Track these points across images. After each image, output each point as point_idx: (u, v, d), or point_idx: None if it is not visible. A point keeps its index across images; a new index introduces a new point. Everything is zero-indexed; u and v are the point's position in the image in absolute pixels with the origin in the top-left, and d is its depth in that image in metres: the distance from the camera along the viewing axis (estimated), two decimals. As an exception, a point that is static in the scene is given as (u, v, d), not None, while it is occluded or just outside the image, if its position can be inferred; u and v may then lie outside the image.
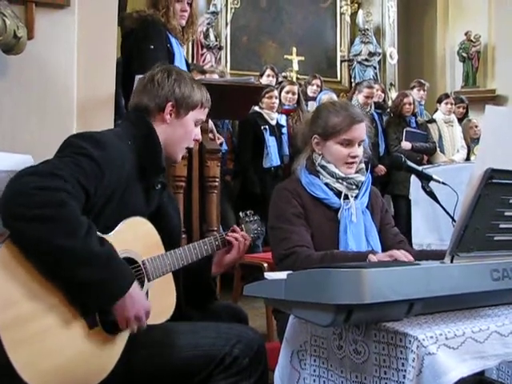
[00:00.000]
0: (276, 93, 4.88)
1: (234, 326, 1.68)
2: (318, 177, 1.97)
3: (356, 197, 1.97)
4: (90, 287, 1.35)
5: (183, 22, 3.09)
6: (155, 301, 1.58)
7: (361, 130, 1.97)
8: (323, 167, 1.97)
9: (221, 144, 3.97)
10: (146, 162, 1.65)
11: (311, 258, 1.78)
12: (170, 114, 1.73)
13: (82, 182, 1.40)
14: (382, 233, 2.03)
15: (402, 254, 1.62)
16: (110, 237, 1.48)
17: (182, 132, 1.75)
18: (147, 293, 1.57)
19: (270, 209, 1.98)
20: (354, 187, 1.97)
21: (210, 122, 3.21)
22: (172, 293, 1.68)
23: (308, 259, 1.77)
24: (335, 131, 1.95)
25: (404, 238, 2.09)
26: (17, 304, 1.29)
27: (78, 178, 1.39)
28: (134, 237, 1.56)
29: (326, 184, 1.95)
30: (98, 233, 1.43)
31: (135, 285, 1.44)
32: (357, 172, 2.00)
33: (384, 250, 1.95)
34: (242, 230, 1.94)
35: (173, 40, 2.98)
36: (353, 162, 1.96)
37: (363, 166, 2.04)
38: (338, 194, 1.95)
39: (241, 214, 2.03)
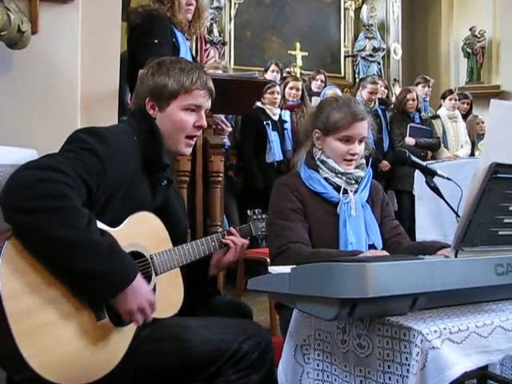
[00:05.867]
0: (278, 88, 4.86)
1: (241, 321, 1.69)
2: (318, 171, 1.97)
3: (355, 191, 1.96)
4: (91, 277, 1.34)
5: (190, 16, 3.07)
6: (163, 295, 1.58)
7: (362, 128, 1.96)
8: (323, 162, 1.97)
9: (228, 136, 3.94)
10: (151, 157, 1.65)
11: (301, 256, 1.76)
12: (153, 109, 1.71)
13: (83, 177, 1.39)
14: (382, 225, 2.03)
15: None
16: (118, 230, 1.48)
17: (169, 124, 1.70)
18: (155, 287, 1.57)
19: (269, 205, 1.98)
20: (353, 182, 1.97)
21: (216, 115, 3.20)
22: (180, 288, 1.68)
23: (298, 257, 1.76)
24: (336, 127, 1.94)
25: (403, 230, 2.07)
26: (25, 296, 1.30)
27: (80, 173, 1.39)
28: (142, 231, 1.55)
29: (326, 178, 1.95)
30: (105, 226, 1.44)
31: (139, 277, 1.43)
32: (357, 167, 1.99)
33: (383, 242, 1.96)
34: (249, 228, 1.96)
35: (178, 34, 2.96)
36: (351, 160, 1.96)
37: (363, 161, 2.04)
38: (337, 188, 1.95)
39: (249, 212, 2.02)
